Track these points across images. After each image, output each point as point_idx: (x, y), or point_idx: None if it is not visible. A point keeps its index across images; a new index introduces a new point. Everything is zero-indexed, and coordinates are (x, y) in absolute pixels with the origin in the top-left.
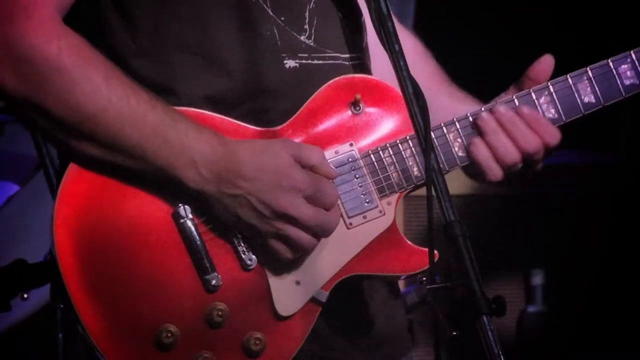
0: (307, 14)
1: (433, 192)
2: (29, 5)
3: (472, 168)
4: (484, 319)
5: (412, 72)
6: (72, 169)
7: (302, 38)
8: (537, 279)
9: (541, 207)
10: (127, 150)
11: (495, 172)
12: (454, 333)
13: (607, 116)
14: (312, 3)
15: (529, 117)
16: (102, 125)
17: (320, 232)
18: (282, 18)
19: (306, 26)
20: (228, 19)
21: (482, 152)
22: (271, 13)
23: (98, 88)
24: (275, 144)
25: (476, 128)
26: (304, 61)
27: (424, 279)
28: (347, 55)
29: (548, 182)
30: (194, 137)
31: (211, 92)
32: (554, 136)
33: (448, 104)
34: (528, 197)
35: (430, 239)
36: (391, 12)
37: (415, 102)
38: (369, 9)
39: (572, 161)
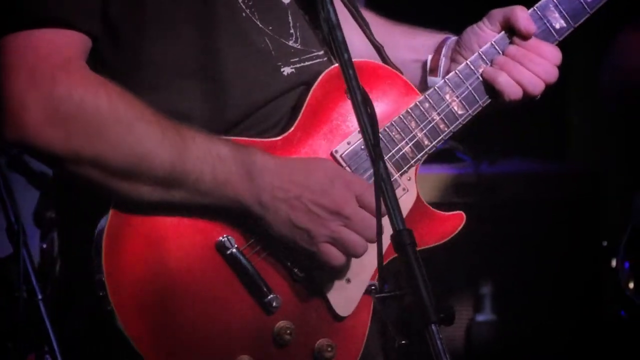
0: (289, 18)
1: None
2: (65, 61)
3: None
4: (433, 327)
5: (377, 37)
6: (115, 215)
7: (291, 43)
8: (486, 288)
9: (489, 216)
10: (184, 181)
11: (516, 89)
12: (403, 342)
13: (556, 125)
14: (290, 7)
15: (535, 46)
16: (159, 160)
17: (370, 236)
18: (270, 27)
19: (292, 30)
20: (226, 39)
21: (503, 77)
22: (260, 25)
23: (151, 126)
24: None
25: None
26: (297, 65)
27: (373, 287)
28: (327, 50)
29: (496, 191)
30: (245, 151)
31: (219, 111)
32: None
33: (405, 41)
34: (476, 206)
35: (379, 247)
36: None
37: (364, 111)
38: (320, 19)
39: (520, 170)
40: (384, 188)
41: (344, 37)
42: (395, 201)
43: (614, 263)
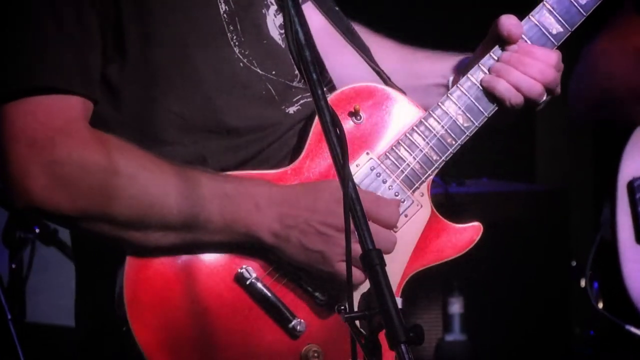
0: (291, 60)
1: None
2: (64, 124)
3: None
4: (402, 347)
5: (381, 65)
6: (131, 261)
7: (295, 83)
8: (455, 308)
9: None
10: (194, 223)
11: (515, 93)
12: None
13: (523, 146)
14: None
15: (527, 50)
16: (166, 207)
17: (386, 248)
18: (273, 72)
19: (296, 72)
20: (231, 92)
21: (502, 83)
22: (261, 72)
23: (153, 175)
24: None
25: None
26: (301, 101)
27: (342, 307)
28: (327, 80)
29: (466, 211)
30: (250, 185)
31: (234, 160)
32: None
33: (429, 66)
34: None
35: (349, 268)
36: (310, 42)
37: (332, 131)
38: (287, 40)
39: (488, 190)
40: (353, 207)
41: (313, 58)
42: (365, 221)
43: (582, 283)
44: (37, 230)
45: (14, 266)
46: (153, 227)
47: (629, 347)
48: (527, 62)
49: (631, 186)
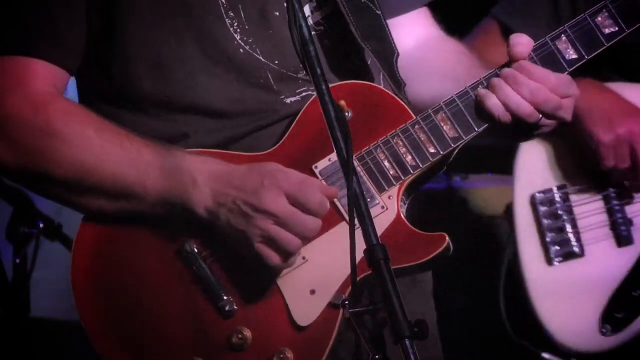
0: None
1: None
2: (16, 84)
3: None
4: (407, 342)
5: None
6: (82, 227)
7: (300, 75)
8: (459, 302)
9: (462, 231)
10: (130, 192)
11: (502, 111)
12: (377, 357)
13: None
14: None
15: (528, 70)
16: (100, 174)
17: (301, 232)
18: (276, 62)
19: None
20: (223, 77)
21: (492, 99)
22: (263, 59)
23: (91, 141)
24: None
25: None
26: (303, 94)
27: (347, 302)
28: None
29: (469, 206)
30: (192, 160)
31: (217, 139)
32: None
33: None
34: (448, 221)
35: (353, 262)
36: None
37: (337, 127)
38: (292, 35)
39: (494, 185)
40: (359, 203)
41: (317, 53)
42: (369, 216)
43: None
44: (42, 226)
45: (18, 261)
46: (92, 194)
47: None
48: (521, 81)
49: (533, 202)
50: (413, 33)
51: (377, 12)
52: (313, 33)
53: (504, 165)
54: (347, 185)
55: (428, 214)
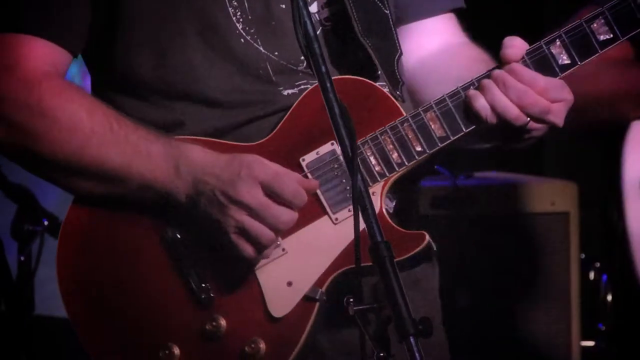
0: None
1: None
2: (10, 62)
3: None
4: (411, 340)
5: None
6: (71, 209)
7: (300, 68)
8: (463, 301)
9: (466, 229)
10: (115, 175)
11: (489, 113)
12: (381, 354)
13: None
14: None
15: (518, 74)
16: (88, 155)
17: (274, 224)
18: (276, 53)
19: (302, 57)
20: (222, 65)
21: (480, 100)
22: (263, 50)
23: (80, 121)
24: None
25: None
26: (302, 86)
27: (351, 300)
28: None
29: (474, 204)
30: (177, 147)
31: (212, 127)
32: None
33: None
34: (453, 219)
35: (357, 258)
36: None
37: (342, 124)
38: (296, 33)
39: (497, 183)
40: (364, 200)
41: (321, 50)
42: (374, 213)
43: (591, 275)
44: (46, 223)
45: (22, 259)
46: (79, 175)
47: (638, 341)
48: (509, 83)
49: None
50: (435, 38)
51: (385, 11)
52: (321, 29)
53: (509, 163)
54: (352, 182)
55: (432, 211)
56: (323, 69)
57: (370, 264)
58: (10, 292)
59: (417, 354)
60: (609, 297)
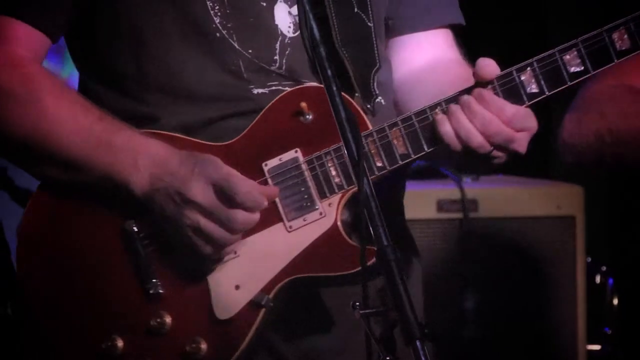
0: (277, 45)
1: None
2: None
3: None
4: (418, 343)
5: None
6: (36, 194)
7: (273, 68)
8: (469, 304)
9: (472, 232)
10: (77, 164)
11: (453, 139)
12: (388, 358)
13: (539, 142)
14: (286, 39)
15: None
16: (51, 142)
17: (228, 225)
18: (250, 51)
19: (276, 57)
20: (196, 57)
21: (445, 125)
22: (237, 47)
23: (46, 109)
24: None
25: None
26: (273, 87)
27: (357, 304)
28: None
29: (479, 208)
30: (138, 141)
31: (184, 122)
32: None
33: None
34: (459, 222)
35: (363, 264)
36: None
37: (348, 128)
38: (302, 36)
39: (503, 186)
40: (371, 204)
41: (327, 54)
42: (380, 217)
43: (598, 279)
44: None
45: None
46: (43, 161)
47: None
48: (475, 110)
49: None
50: (427, 52)
51: (369, 24)
52: (298, 32)
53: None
54: (358, 186)
55: (438, 214)
56: (329, 72)
57: (343, 272)
58: (16, 295)
59: (423, 358)
60: (615, 301)
